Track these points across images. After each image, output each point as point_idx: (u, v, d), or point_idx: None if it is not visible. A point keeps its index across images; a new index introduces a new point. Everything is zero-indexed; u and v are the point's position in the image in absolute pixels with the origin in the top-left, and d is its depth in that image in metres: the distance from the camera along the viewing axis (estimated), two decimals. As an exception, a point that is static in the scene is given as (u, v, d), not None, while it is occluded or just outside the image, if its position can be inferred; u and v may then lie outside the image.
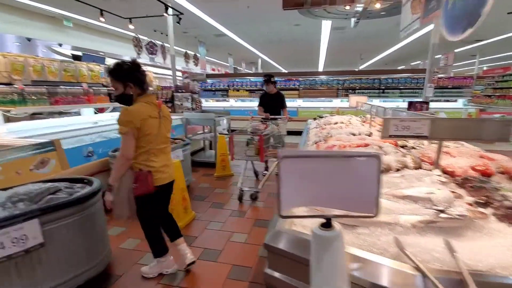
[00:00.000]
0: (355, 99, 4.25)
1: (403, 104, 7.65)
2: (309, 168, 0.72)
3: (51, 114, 6.02)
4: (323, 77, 8.53)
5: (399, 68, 17.58)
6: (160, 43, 9.04)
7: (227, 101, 9.14)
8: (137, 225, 1.91)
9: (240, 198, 3.38)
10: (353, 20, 5.49)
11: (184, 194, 2.76)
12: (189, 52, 10.95)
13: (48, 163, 2.44)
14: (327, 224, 0.75)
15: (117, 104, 3.85)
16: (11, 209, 1.54)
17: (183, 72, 10.26)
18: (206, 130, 5.62)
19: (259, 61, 16.45)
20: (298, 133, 6.39)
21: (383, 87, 8.13)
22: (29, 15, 7.02)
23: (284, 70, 21.68)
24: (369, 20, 6.92)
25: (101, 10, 5.22)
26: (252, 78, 9.03)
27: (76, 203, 1.65)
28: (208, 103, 9.26)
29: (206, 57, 11.89)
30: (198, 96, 7.68)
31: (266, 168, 4.51)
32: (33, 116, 3.44)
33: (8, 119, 3.14)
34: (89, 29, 8.71)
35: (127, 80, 1.71)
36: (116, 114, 4.91)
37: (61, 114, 6.00)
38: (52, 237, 1.56)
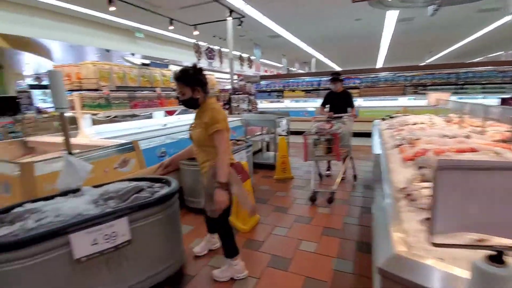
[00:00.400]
0: (435, 96, 3.74)
1: (484, 101, 6.57)
2: (477, 183, 0.54)
3: (124, 117, 6.64)
4: (386, 74, 7.83)
5: (476, 60, 15.33)
6: (218, 48, 9.41)
7: (282, 102, 9.04)
8: (201, 223, 1.90)
9: (313, 200, 3.26)
10: (431, 8, 4.88)
11: (252, 196, 2.72)
12: (243, 55, 11.19)
13: (129, 163, 2.63)
14: (497, 258, 0.56)
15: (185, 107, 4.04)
16: (103, 206, 1.64)
17: (238, 75, 10.52)
18: (264, 132, 5.59)
19: (313, 60, 16.01)
20: (361, 134, 6.00)
21: (461, 82, 7.11)
22: (107, 29, 7.92)
23: (338, 68, 20.78)
24: (445, 8, 6.11)
25: (171, 19, 5.59)
26: (307, 78, 8.77)
27: (159, 202, 1.70)
28: (262, 105, 9.28)
29: (260, 59, 12.01)
30: (254, 97, 7.74)
31: (329, 168, 4.29)
32: (110, 119, 3.79)
33: (92, 122, 3.54)
34: (156, 39, 9.48)
35: (195, 84, 1.77)
36: (183, 117, 5.24)
37: (133, 117, 6.57)
38: (137, 234, 1.63)
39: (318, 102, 9.24)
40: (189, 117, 4.73)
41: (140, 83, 3.27)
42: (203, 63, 9.52)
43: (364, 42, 11.27)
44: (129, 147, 2.68)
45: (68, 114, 3.14)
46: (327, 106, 4.11)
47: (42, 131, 5.81)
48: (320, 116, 3.97)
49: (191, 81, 1.77)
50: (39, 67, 10.86)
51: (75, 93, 2.97)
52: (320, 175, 4.18)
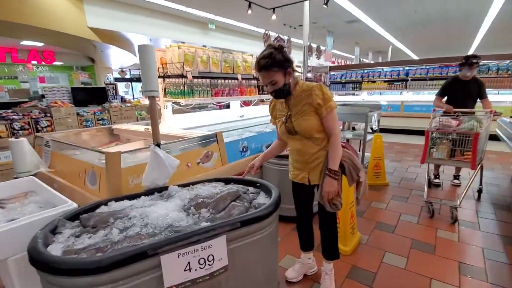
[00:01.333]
0: None
1: None
2: None
3: (200, 108, 6.60)
4: (495, 62, 6.22)
5: None
6: (287, 37, 8.87)
7: (358, 94, 8.06)
8: (290, 234, 1.42)
9: (432, 214, 2.62)
10: None
11: (353, 209, 2.16)
12: (312, 44, 10.42)
13: (212, 157, 2.32)
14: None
15: (266, 96, 3.63)
16: (196, 215, 1.29)
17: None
18: (345, 127, 4.88)
19: (390, 48, 14.24)
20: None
21: None
22: (182, 21, 8.06)
23: (415, 57, 18.22)
24: None
25: (250, 2, 5.28)
26: (386, 68, 7.57)
27: (265, 216, 1.28)
28: (336, 98, 8.43)
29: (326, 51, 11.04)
30: (329, 89, 7.01)
31: (437, 176, 3.44)
32: (189, 108, 3.60)
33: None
34: (226, 30, 9.40)
35: (287, 66, 1.44)
36: (260, 108, 4.90)
37: (201, 108, 6.50)
38: (234, 258, 1.23)
39: (402, 95, 7.98)
40: (265, 109, 4.34)
41: (222, 68, 2.96)
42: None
43: (458, 26, 9.40)
44: (212, 140, 2.36)
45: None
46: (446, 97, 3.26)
47: (125, 119, 6.19)
48: (439, 109, 3.08)
49: (283, 64, 1.41)
50: (123, 62, 11.97)
51: (159, 79, 2.79)
52: (430, 182, 3.41)
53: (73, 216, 1.32)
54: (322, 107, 1.43)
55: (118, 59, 10.82)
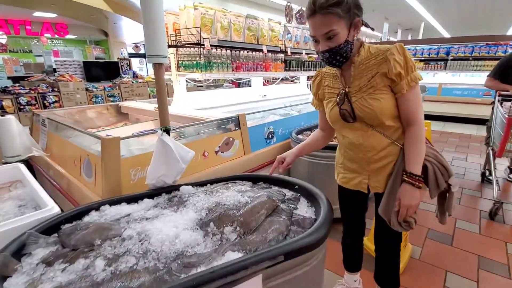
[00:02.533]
0: None
1: None
2: None
3: (208, 88, 6.14)
4: None
5: None
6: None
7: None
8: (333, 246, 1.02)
9: (493, 215, 2.25)
10: None
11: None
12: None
13: (232, 145, 1.91)
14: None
15: (295, 74, 3.13)
16: (217, 236, 0.90)
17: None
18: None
19: (422, 25, 13.01)
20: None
21: None
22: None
23: (447, 35, 16.70)
24: None
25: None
26: (422, 46, 6.72)
27: (315, 244, 0.88)
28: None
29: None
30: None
31: None
32: (207, 85, 3.17)
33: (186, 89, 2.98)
34: (246, 2, 8.68)
35: (357, 13, 0.96)
36: (285, 87, 4.32)
37: (217, 87, 6.05)
38: (272, 299, 0.85)
39: (437, 76, 7.11)
40: (292, 88, 3.84)
41: (245, 37, 2.48)
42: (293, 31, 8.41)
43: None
44: (234, 124, 1.95)
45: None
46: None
47: (137, 96, 5.86)
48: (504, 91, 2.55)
49: (350, 9, 0.93)
50: (136, 37, 11.52)
51: (170, 49, 2.36)
52: (484, 175, 3.02)
53: (51, 227, 0.98)
54: (403, 79, 0.96)
55: (131, 33, 10.39)
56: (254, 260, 0.76)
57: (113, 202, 1.12)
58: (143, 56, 15.33)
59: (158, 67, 1.17)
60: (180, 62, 2.35)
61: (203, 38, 2.12)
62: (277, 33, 2.82)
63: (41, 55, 9.35)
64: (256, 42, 2.62)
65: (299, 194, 1.22)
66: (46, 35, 10.01)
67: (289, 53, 3.00)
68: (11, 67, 7.46)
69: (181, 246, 0.83)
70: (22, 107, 3.95)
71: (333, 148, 1.98)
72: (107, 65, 7.24)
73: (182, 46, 2.33)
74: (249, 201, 1.02)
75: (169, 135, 1.25)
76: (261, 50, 2.68)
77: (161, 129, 1.23)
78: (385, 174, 1.11)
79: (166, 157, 1.21)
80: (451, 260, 1.77)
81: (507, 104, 2.24)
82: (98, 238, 0.86)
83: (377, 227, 1.26)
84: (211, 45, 2.20)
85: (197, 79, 2.29)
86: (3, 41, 9.23)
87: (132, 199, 1.15)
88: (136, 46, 14.75)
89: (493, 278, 1.63)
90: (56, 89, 4.22)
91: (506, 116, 2.09)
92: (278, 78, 3.45)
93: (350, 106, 1.06)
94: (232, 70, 2.42)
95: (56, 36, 10.23)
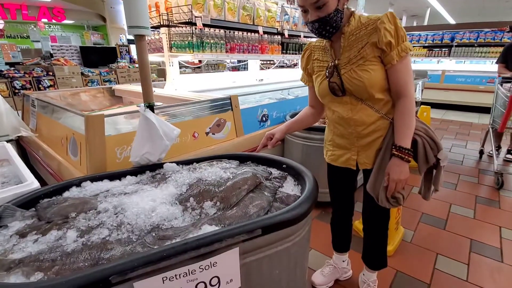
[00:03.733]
0: None
1: None
2: None
3: (211, 68, 6.02)
4: None
5: None
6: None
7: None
8: (318, 226, 1.00)
9: (500, 185, 2.48)
10: None
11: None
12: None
13: (224, 127, 1.88)
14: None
15: (292, 57, 3.06)
16: (196, 211, 0.88)
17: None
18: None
19: (427, 11, 12.67)
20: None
21: None
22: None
23: (453, 22, 16.30)
24: None
25: None
26: (426, 32, 6.56)
27: (296, 219, 0.85)
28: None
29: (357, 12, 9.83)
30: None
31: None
32: (198, 68, 3.11)
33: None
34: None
35: None
36: (283, 71, 4.23)
37: (214, 69, 5.96)
38: (249, 277, 0.84)
39: (441, 63, 6.94)
40: (289, 73, 3.77)
41: (240, 17, 2.40)
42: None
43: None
44: (226, 105, 1.91)
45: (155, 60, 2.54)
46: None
47: (133, 81, 5.79)
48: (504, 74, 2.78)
49: None
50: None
51: (162, 29, 2.29)
52: (482, 152, 3.30)
53: (30, 201, 0.96)
54: (394, 49, 0.92)
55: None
56: (230, 233, 0.73)
57: (95, 179, 1.09)
58: (142, 42, 15.11)
59: (140, 39, 1.12)
60: (172, 42, 2.29)
61: (195, 17, 2.05)
62: (273, 13, 2.73)
63: (38, 41, 9.22)
64: (251, 23, 2.54)
65: (286, 173, 1.19)
66: (43, 20, 9.84)
67: (286, 35, 2.92)
68: (8, 53, 7.37)
69: (157, 219, 0.81)
70: (17, 91, 3.91)
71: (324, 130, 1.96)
72: (104, 51, 7.13)
73: (174, 26, 2.26)
74: (231, 177, 0.99)
75: (153, 111, 1.21)
76: (257, 31, 2.60)
77: (144, 105, 1.20)
78: (374, 150, 1.08)
79: (149, 134, 1.18)
80: (443, 243, 1.76)
81: (507, 85, 2.43)
82: (73, 211, 0.85)
83: (365, 205, 1.24)
84: (203, 24, 2.13)
85: (190, 60, 2.23)
86: (0, 26, 9.09)
87: (115, 176, 1.13)
88: (136, 33, 14.52)
89: (485, 261, 1.61)
90: (51, 73, 4.17)
91: (509, 95, 2.28)
92: (275, 63, 3.37)
93: (339, 79, 1.02)
94: (226, 51, 2.36)
95: (53, 21, 10.05)
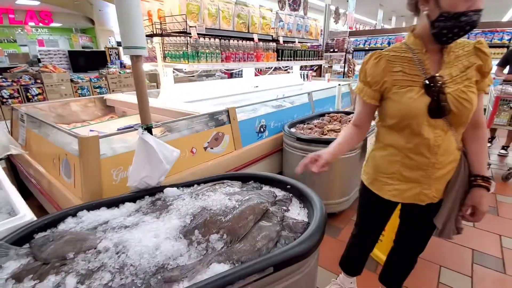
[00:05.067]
0: None
1: None
2: None
3: (199, 77, 5.94)
4: None
5: None
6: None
7: (383, 64, 7.23)
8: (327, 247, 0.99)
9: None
10: None
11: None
12: (331, 6, 9.31)
13: (222, 140, 1.84)
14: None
15: (288, 63, 3.03)
16: (202, 245, 0.84)
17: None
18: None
19: (417, 13, 12.87)
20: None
21: None
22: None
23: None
24: None
25: None
26: None
27: (307, 253, 0.82)
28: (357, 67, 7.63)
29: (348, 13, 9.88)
30: (352, 56, 6.26)
31: (506, 147, 3.39)
32: (195, 76, 3.05)
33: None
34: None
35: None
36: (278, 77, 4.14)
37: (209, 77, 5.87)
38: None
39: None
40: (285, 78, 3.74)
41: (235, 25, 2.36)
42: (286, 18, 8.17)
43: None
44: (223, 118, 1.86)
45: (145, 66, 2.48)
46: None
47: (125, 87, 5.67)
48: (499, 78, 3.07)
49: None
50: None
51: (155, 38, 2.23)
52: None
53: (24, 236, 0.90)
54: (486, 77, 0.91)
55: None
56: (241, 274, 0.70)
57: (92, 207, 1.04)
58: (132, 44, 14.88)
59: (136, 60, 1.07)
60: (166, 52, 2.23)
61: (190, 26, 2.00)
62: (268, 20, 2.70)
63: (25, 45, 8.97)
64: (246, 31, 2.50)
65: (291, 195, 1.16)
66: (30, 23, 9.57)
67: (281, 41, 2.89)
68: (-6, 58, 7.14)
69: (162, 258, 0.77)
70: (4, 100, 3.77)
71: (326, 143, 1.93)
72: (94, 55, 6.99)
73: (168, 35, 2.20)
74: (237, 206, 0.95)
75: (151, 133, 1.16)
76: (252, 39, 2.57)
77: (142, 127, 1.14)
78: (445, 182, 0.99)
79: (148, 158, 1.13)
80: (445, 255, 1.76)
81: (499, 86, 2.70)
82: (71, 250, 0.79)
83: (404, 232, 1.20)
84: (198, 34, 2.08)
85: (185, 70, 2.18)
86: (-15, 30, 8.81)
87: (113, 203, 1.07)
88: (125, 35, 14.28)
89: (488, 273, 1.62)
90: (40, 81, 4.04)
91: (495, 95, 2.66)
92: (271, 68, 3.34)
93: (445, 96, 0.87)
94: (222, 61, 2.32)
95: (41, 24, 9.80)
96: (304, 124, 2.34)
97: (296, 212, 1.05)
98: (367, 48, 7.27)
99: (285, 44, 3.04)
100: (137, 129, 1.17)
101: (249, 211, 0.92)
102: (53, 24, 10.23)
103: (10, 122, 2.42)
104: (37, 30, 10.71)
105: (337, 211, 2.09)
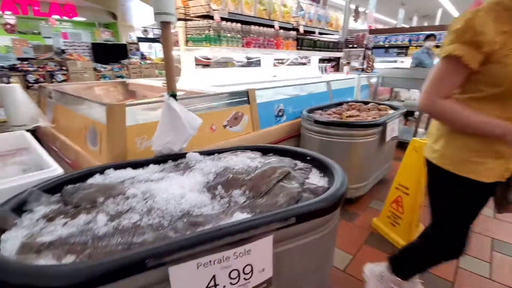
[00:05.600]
0: None
1: None
2: None
3: (224, 63, 5.99)
4: None
5: None
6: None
7: (403, 62, 7.09)
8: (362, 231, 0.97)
9: None
10: None
11: (422, 196, 1.66)
12: (351, 5, 9.17)
13: (241, 120, 1.86)
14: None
15: (307, 53, 3.02)
16: (224, 199, 0.86)
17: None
18: (392, 97, 4.22)
19: (439, 12, 12.52)
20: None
21: None
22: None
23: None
24: None
25: None
26: (436, 32, 6.44)
27: (330, 208, 0.82)
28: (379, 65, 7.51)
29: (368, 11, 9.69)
30: (371, 53, 6.15)
31: None
32: (213, 62, 3.09)
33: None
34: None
35: None
36: (296, 68, 4.10)
37: (221, 64, 5.93)
38: (280, 268, 0.81)
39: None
40: (303, 70, 3.73)
41: (256, 12, 2.38)
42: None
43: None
44: (243, 98, 1.89)
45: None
46: None
47: (144, 77, 5.81)
48: None
49: None
50: (145, 20, 11.39)
51: (179, 22, 2.28)
52: None
53: (54, 187, 0.94)
54: None
55: (140, 15, 10.26)
56: (265, 221, 0.71)
57: (118, 167, 1.08)
58: (151, 40, 15.22)
59: (166, 27, 1.10)
60: (188, 36, 2.28)
61: (213, 10, 2.03)
62: (289, 9, 2.70)
63: (50, 37, 9.34)
64: (267, 18, 2.52)
65: (310, 165, 1.16)
66: (54, 16, 9.96)
67: (301, 31, 2.89)
68: (20, 48, 7.47)
69: (187, 206, 0.79)
70: (30, 85, 3.95)
71: (345, 125, 1.91)
72: (115, 47, 7.18)
73: (191, 19, 2.25)
74: (259, 166, 0.97)
75: (176, 100, 1.19)
76: (273, 26, 2.58)
77: (168, 93, 1.18)
78: None
79: (172, 123, 1.16)
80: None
81: None
82: (101, 196, 0.83)
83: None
84: (221, 18, 2.11)
85: (204, 56, 2.21)
86: (12, 22, 9.21)
87: (138, 164, 1.11)
88: (145, 30, 14.62)
89: (506, 259, 1.57)
90: (65, 68, 4.20)
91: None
92: (288, 60, 3.34)
93: None
94: (243, 46, 2.34)
95: (65, 17, 10.17)
96: (322, 111, 2.33)
97: (316, 180, 1.05)
98: (387, 46, 7.14)
99: (306, 34, 3.04)
100: (162, 101, 1.20)
101: (271, 171, 0.93)
102: (76, 18, 10.60)
103: (37, 103, 2.54)
104: (61, 23, 11.12)
105: (354, 197, 2.07)
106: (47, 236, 0.69)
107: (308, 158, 1.19)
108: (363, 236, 1.74)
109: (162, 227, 0.71)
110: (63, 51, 6.60)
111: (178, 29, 2.36)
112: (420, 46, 6.55)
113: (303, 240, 0.83)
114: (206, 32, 2.12)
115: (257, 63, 3.60)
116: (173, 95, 1.19)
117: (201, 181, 0.91)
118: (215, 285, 0.69)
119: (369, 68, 5.74)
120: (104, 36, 10.56)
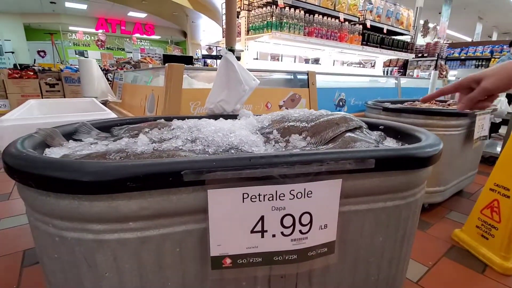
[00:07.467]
0: None
1: None
2: None
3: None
4: None
5: None
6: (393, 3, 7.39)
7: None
8: None
9: None
10: None
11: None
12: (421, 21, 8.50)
13: (298, 103, 1.72)
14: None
15: (373, 50, 2.79)
16: (280, 143, 0.71)
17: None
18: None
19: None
20: None
21: None
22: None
23: None
24: None
25: None
26: None
27: (425, 161, 0.61)
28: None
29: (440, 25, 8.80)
30: (445, 62, 5.53)
31: None
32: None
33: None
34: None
35: None
36: (362, 70, 3.80)
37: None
38: (346, 234, 0.62)
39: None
40: (365, 71, 3.47)
41: (321, 1, 2.27)
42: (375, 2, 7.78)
43: None
44: (302, 80, 1.75)
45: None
46: None
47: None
48: None
49: None
50: (210, 38, 12.35)
51: (242, 12, 2.30)
52: None
53: (106, 127, 0.92)
54: None
55: (206, 33, 11.14)
56: (334, 157, 0.54)
57: (169, 119, 1.03)
58: (214, 57, 16.36)
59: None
60: (250, 25, 2.27)
61: (277, -6, 2.00)
62: (356, 1, 2.54)
63: (131, 52, 10.72)
64: (332, 8, 2.39)
65: (384, 134, 0.95)
66: (136, 35, 11.45)
67: (368, 25, 2.68)
68: (107, 61, 8.72)
69: (237, 141, 0.67)
70: (110, 82, 4.46)
71: (420, 112, 1.62)
72: (183, 58, 7.87)
73: (253, 9, 2.25)
74: (325, 114, 0.80)
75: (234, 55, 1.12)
76: (337, 18, 2.43)
77: (226, 48, 1.11)
78: None
79: (228, 80, 1.09)
80: None
81: None
82: (147, 127, 0.76)
83: None
84: (284, 3, 2.05)
85: (263, 40, 2.16)
86: (103, 38, 10.86)
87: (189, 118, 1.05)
88: (209, 48, 15.85)
89: None
90: (138, 68, 4.67)
91: None
92: (351, 63, 3.12)
93: None
94: (304, 34, 2.24)
95: (144, 36, 11.61)
96: (391, 104, 2.05)
97: (392, 144, 0.84)
98: (463, 57, 6.35)
99: (372, 30, 2.81)
100: (220, 57, 1.14)
101: (340, 119, 0.76)
102: (153, 36, 12.01)
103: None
104: (141, 41, 12.73)
105: (427, 203, 1.71)
106: (86, 151, 0.64)
107: (380, 127, 0.98)
108: (441, 248, 1.39)
109: (205, 153, 0.60)
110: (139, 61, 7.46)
111: (241, 19, 2.38)
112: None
113: (380, 204, 0.63)
114: (269, 19, 2.08)
115: (316, 62, 3.46)
116: (231, 50, 1.11)
117: (255, 124, 0.79)
118: (263, 230, 0.54)
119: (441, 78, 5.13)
120: (175, 52, 11.74)
